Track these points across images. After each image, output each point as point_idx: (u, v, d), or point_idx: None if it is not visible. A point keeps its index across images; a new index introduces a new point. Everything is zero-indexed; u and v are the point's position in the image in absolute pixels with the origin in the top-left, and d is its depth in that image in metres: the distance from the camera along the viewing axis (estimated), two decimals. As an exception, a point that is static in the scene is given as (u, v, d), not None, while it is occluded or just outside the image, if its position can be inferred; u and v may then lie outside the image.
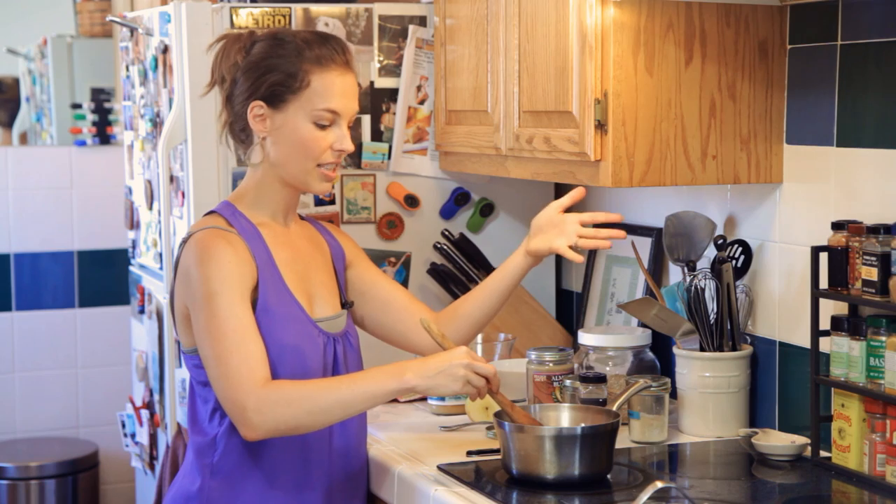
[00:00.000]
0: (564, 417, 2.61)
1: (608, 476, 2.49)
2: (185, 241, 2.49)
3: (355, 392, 2.39)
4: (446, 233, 3.41)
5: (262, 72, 2.49)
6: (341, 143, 2.51)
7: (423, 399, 3.14)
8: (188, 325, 2.48)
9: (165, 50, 3.41)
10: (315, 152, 2.50)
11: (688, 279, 2.89)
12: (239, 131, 2.55)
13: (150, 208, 3.67)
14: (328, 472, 2.56)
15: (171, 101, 3.38)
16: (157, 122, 3.56)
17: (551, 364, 2.96)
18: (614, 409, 2.59)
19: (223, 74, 2.53)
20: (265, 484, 2.50)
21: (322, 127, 2.50)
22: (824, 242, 2.58)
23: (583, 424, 2.53)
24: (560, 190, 3.63)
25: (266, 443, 2.49)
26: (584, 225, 2.69)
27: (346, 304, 2.66)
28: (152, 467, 3.72)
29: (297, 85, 2.48)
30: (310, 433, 2.49)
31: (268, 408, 2.35)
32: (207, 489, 2.50)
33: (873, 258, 2.44)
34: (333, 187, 3.35)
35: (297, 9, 3.31)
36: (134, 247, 3.93)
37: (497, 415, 2.54)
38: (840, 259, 2.53)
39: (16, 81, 5.48)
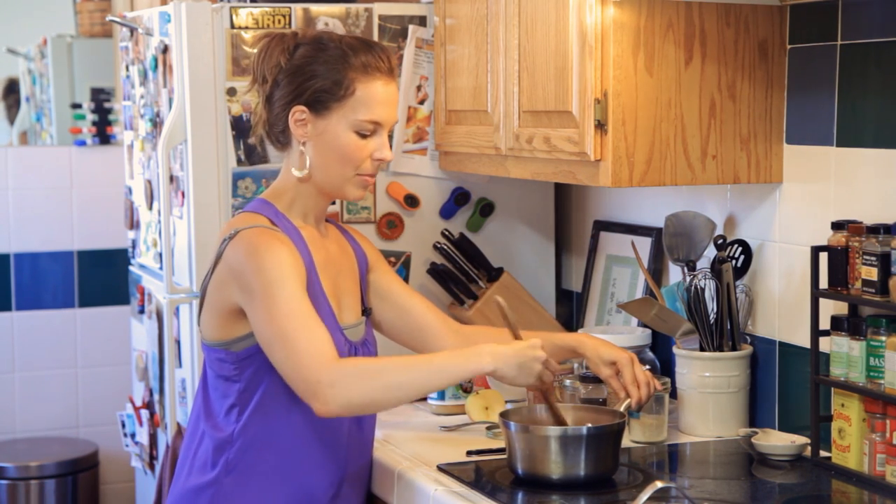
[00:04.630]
0: (570, 418, 2.61)
1: (613, 477, 2.50)
2: (230, 238, 2.46)
3: (432, 369, 2.37)
4: (446, 233, 3.41)
5: (307, 77, 2.47)
6: (381, 152, 2.51)
7: (424, 399, 3.14)
8: (223, 318, 2.46)
9: (165, 50, 3.41)
10: (355, 161, 2.49)
11: (688, 279, 2.89)
12: (278, 133, 2.53)
13: (150, 208, 3.67)
14: (341, 470, 2.56)
15: (170, 100, 3.38)
16: (156, 122, 3.56)
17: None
18: (621, 409, 2.59)
19: (264, 74, 2.51)
20: (278, 481, 2.50)
21: (363, 136, 2.49)
22: (824, 242, 2.58)
23: (588, 425, 2.53)
24: (560, 189, 3.63)
25: (282, 440, 2.49)
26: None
27: (365, 311, 2.65)
28: (152, 467, 3.72)
29: (342, 93, 2.47)
30: (325, 432, 2.50)
31: (343, 381, 2.31)
32: (221, 483, 2.49)
33: (873, 258, 2.44)
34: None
35: (297, 9, 3.31)
36: (134, 247, 3.93)
37: (503, 415, 2.54)
38: (840, 259, 2.53)
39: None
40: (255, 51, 2.57)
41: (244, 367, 2.48)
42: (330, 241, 2.60)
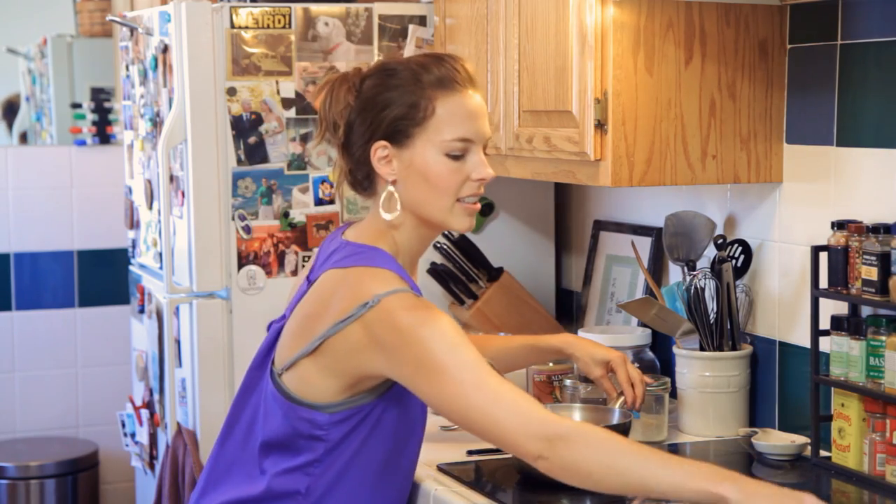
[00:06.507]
0: (576, 417, 2.61)
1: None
2: (372, 306, 2.18)
3: (663, 471, 2.02)
4: (446, 232, 3.41)
5: (380, 108, 2.25)
6: (479, 171, 2.25)
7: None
8: (347, 384, 2.24)
9: (165, 49, 3.41)
10: (452, 187, 2.25)
11: (688, 279, 2.89)
12: (363, 179, 2.30)
13: (150, 208, 3.67)
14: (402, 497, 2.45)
15: (170, 100, 3.38)
16: (156, 122, 3.56)
17: (551, 364, 2.96)
18: (617, 407, 2.59)
19: (335, 121, 2.29)
20: None
21: (456, 158, 2.24)
22: (824, 242, 2.58)
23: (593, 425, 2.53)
24: (560, 189, 3.63)
25: (363, 494, 2.32)
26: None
27: None
28: (152, 467, 3.72)
29: (421, 115, 2.23)
30: (398, 477, 2.36)
31: (576, 442, 2.07)
32: None
33: (873, 258, 2.44)
34: (332, 186, 3.35)
35: (297, 8, 3.31)
36: (134, 246, 3.93)
37: None
38: (840, 259, 2.53)
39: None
40: (318, 99, 2.33)
41: (335, 429, 2.27)
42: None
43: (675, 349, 2.90)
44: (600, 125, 2.69)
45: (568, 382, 2.88)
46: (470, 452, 2.70)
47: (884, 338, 2.44)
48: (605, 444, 2.07)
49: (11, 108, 5.40)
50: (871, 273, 2.44)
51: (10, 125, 5.38)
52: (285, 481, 2.31)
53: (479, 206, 2.31)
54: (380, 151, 2.25)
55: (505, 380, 2.14)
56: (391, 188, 2.26)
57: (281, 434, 2.30)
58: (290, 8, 3.30)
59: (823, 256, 2.57)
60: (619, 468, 2.05)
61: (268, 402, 2.33)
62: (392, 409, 2.28)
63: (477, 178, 2.26)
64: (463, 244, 3.41)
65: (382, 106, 2.25)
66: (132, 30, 3.75)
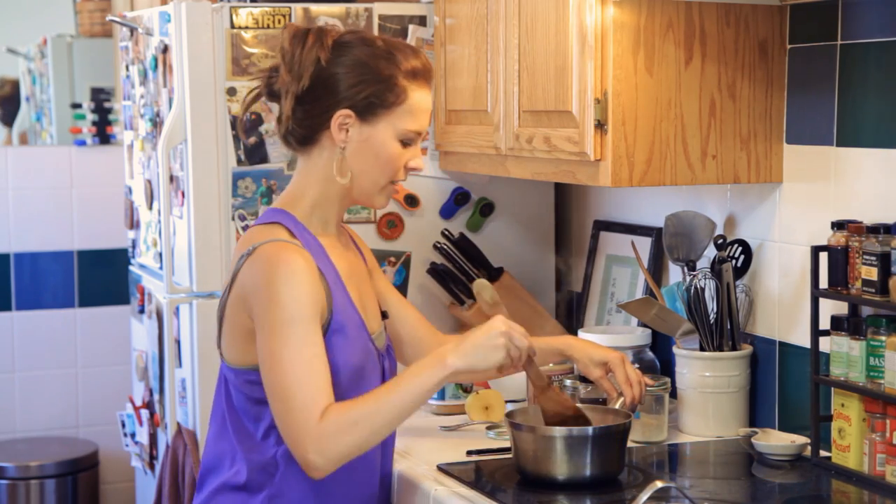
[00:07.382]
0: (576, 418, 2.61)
1: (619, 477, 2.49)
2: (247, 255, 2.32)
3: (406, 396, 2.27)
4: (446, 232, 3.41)
5: (355, 81, 2.35)
6: (416, 161, 2.43)
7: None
8: (247, 340, 2.34)
9: (165, 50, 3.41)
10: (393, 170, 2.40)
11: (688, 279, 2.89)
12: (307, 133, 2.39)
13: (150, 208, 3.67)
14: (377, 476, 2.49)
15: (170, 100, 3.38)
16: (156, 122, 3.56)
17: (551, 364, 2.96)
18: (617, 407, 2.59)
19: (300, 71, 2.35)
20: (327, 498, 2.40)
21: (405, 145, 2.40)
22: (824, 242, 2.58)
23: (593, 425, 2.53)
24: (560, 189, 3.63)
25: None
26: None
27: (384, 315, 2.55)
28: (152, 467, 3.72)
29: (393, 100, 2.36)
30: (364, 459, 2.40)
31: (328, 444, 2.23)
32: None
33: (873, 258, 2.44)
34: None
35: (297, 8, 3.31)
36: (134, 246, 3.93)
37: (509, 415, 2.54)
38: (840, 259, 2.53)
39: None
40: (285, 38, 2.38)
41: None
42: (345, 247, 2.50)
43: (675, 349, 2.90)
44: (600, 125, 2.69)
45: (568, 382, 2.88)
46: (470, 452, 2.70)
47: (884, 338, 2.44)
48: (356, 420, 2.23)
49: (10, 99, 5.41)
50: (871, 273, 2.44)
51: (8, 116, 5.38)
52: (255, 455, 2.37)
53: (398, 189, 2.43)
54: (342, 119, 2.36)
55: (314, 372, 2.25)
56: (342, 154, 2.38)
57: (238, 403, 2.39)
58: (290, 8, 3.30)
59: (823, 256, 2.57)
60: (381, 424, 2.25)
61: (223, 377, 2.43)
62: (333, 359, 2.32)
63: (412, 166, 2.43)
64: (463, 244, 3.41)
65: (359, 79, 2.36)
66: (132, 30, 3.75)
